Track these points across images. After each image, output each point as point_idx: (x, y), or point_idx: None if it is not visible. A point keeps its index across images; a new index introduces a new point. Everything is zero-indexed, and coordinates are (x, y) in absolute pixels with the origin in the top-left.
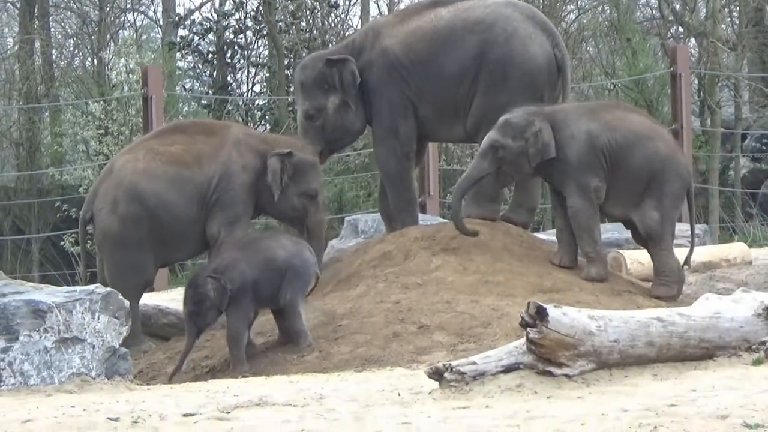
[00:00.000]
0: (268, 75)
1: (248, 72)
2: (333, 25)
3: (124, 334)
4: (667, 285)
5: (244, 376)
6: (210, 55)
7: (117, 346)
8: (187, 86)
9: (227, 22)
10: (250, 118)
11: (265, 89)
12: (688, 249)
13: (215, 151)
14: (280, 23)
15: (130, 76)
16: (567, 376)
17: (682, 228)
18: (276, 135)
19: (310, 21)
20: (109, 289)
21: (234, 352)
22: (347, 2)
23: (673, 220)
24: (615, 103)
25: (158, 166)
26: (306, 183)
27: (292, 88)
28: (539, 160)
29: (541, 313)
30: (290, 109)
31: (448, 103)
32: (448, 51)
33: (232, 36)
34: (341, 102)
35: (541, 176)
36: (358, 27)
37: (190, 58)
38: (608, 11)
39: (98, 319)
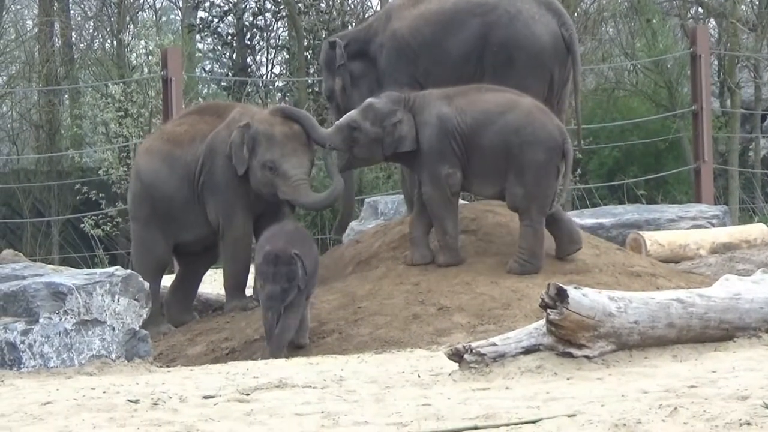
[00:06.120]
0: (287, 57)
1: (267, 54)
2: (352, 6)
3: (144, 316)
4: (519, 262)
5: None
6: (229, 37)
7: (137, 328)
8: (207, 68)
9: (246, 3)
10: (269, 100)
11: (284, 71)
12: (708, 229)
13: (210, 131)
14: (299, 4)
15: (150, 58)
16: (587, 357)
17: (702, 209)
18: (273, 107)
19: (330, 2)
20: (129, 271)
21: (281, 344)
22: None
23: (540, 193)
24: (476, 86)
25: (157, 144)
26: (261, 154)
27: (311, 70)
28: (392, 150)
29: (561, 295)
30: (309, 90)
31: (454, 85)
32: (452, 33)
33: (251, 18)
34: (344, 84)
35: (399, 164)
36: (378, 8)
37: (209, 40)
38: None
39: (118, 301)
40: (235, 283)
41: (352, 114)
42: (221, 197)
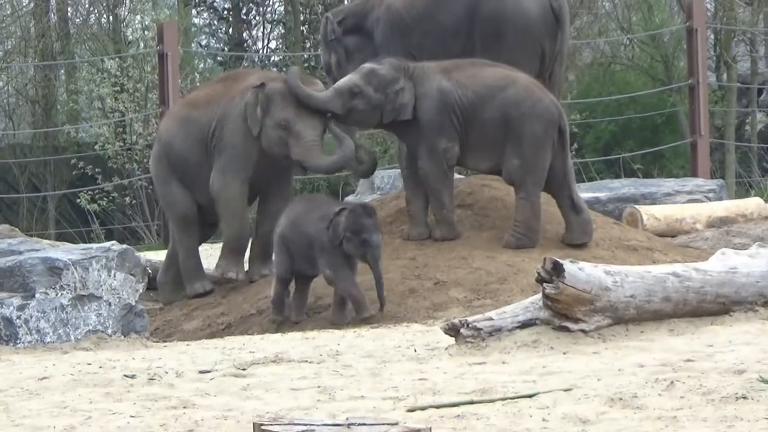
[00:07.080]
0: (283, 31)
1: (264, 28)
2: None
3: (140, 290)
4: (516, 236)
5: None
6: (225, 12)
7: (133, 303)
8: (203, 43)
9: None
10: None
11: (280, 45)
12: (704, 203)
13: (226, 96)
14: None
15: (146, 33)
16: (583, 331)
17: (698, 183)
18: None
19: None
20: (125, 246)
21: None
22: None
23: (536, 166)
24: (470, 60)
25: (177, 108)
26: (275, 113)
27: (307, 45)
28: (393, 118)
29: (557, 269)
30: (306, 65)
31: (446, 58)
32: (443, 7)
33: None
34: (339, 58)
35: (393, 133)
36: None
37: (205, 14)
38: None
39: (114, 276)
40: (230, 247)
41: (352, 78)
42: (224, 161)
